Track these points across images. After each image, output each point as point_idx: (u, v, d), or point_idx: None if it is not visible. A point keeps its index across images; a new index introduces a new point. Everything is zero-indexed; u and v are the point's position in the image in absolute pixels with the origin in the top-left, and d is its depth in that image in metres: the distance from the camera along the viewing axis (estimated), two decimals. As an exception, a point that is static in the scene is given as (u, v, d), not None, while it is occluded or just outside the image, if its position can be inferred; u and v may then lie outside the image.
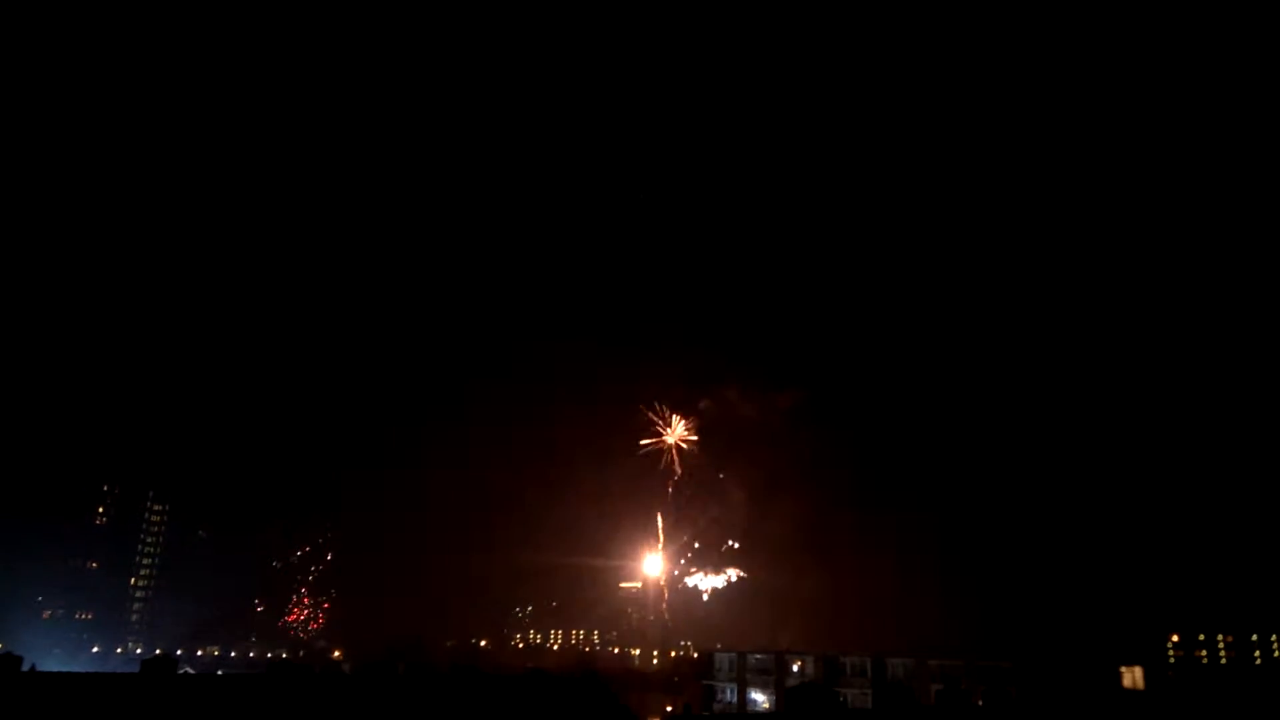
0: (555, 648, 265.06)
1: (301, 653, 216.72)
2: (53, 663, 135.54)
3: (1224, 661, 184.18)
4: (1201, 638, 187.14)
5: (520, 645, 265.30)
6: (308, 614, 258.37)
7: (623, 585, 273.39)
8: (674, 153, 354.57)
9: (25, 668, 47.29)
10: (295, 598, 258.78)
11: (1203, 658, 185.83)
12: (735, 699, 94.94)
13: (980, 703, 75.27)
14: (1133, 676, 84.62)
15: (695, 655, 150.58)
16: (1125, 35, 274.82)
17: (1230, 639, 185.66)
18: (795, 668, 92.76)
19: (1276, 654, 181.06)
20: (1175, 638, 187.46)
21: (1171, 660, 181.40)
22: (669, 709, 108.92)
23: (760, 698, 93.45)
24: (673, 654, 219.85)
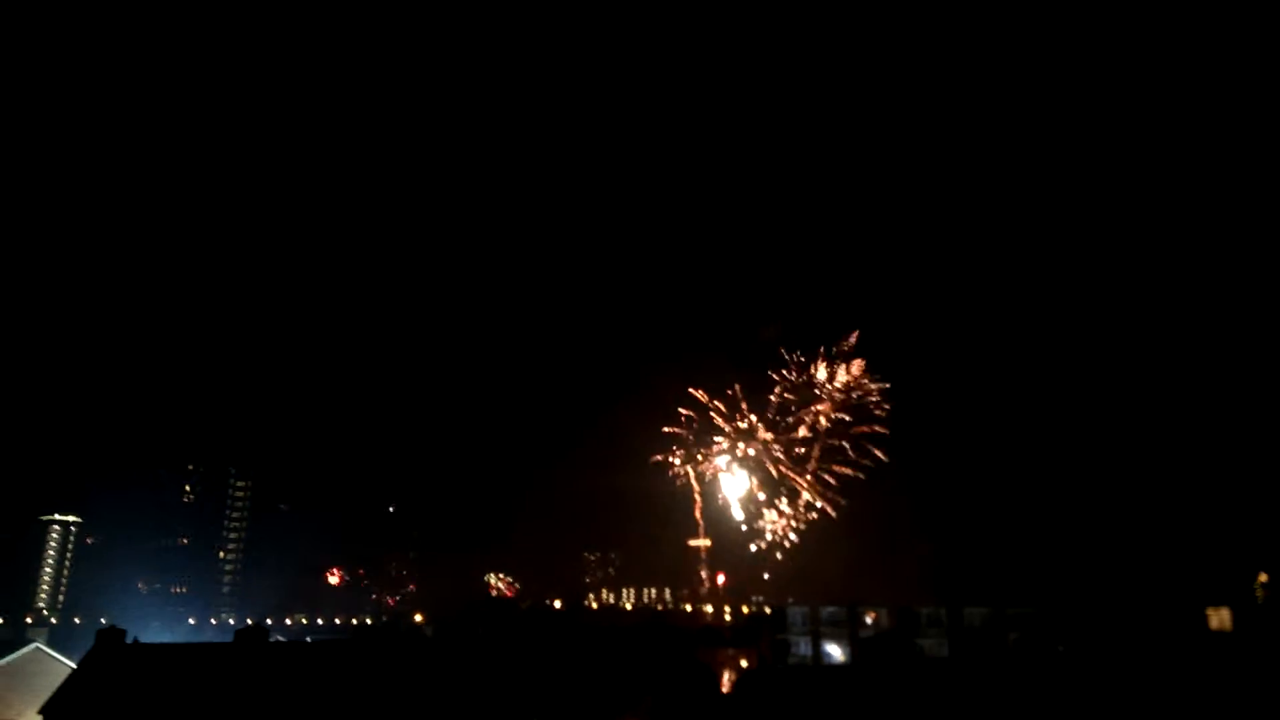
0: (629, 607, 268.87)
1: (384, 617, 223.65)
2: (152, 634, 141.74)
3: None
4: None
5: (595, 605, 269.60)
6: (390, 580, 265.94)
7: (691, 543, 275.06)
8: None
9: (128, 640, 49.68)
10: (377, 565, 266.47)
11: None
12: (810, 652, 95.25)
13: (1060, 650, 74.36)
14: (1220, 618, 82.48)
15: (769, 610, 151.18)
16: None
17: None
18: (869, 620, 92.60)
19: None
20: (1264, 577, 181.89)
21: (1260, 600, 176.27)
22: (744, 663, 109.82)
23: (834, 650, 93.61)
24: (745, 610, 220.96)
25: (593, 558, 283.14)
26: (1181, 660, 58.17)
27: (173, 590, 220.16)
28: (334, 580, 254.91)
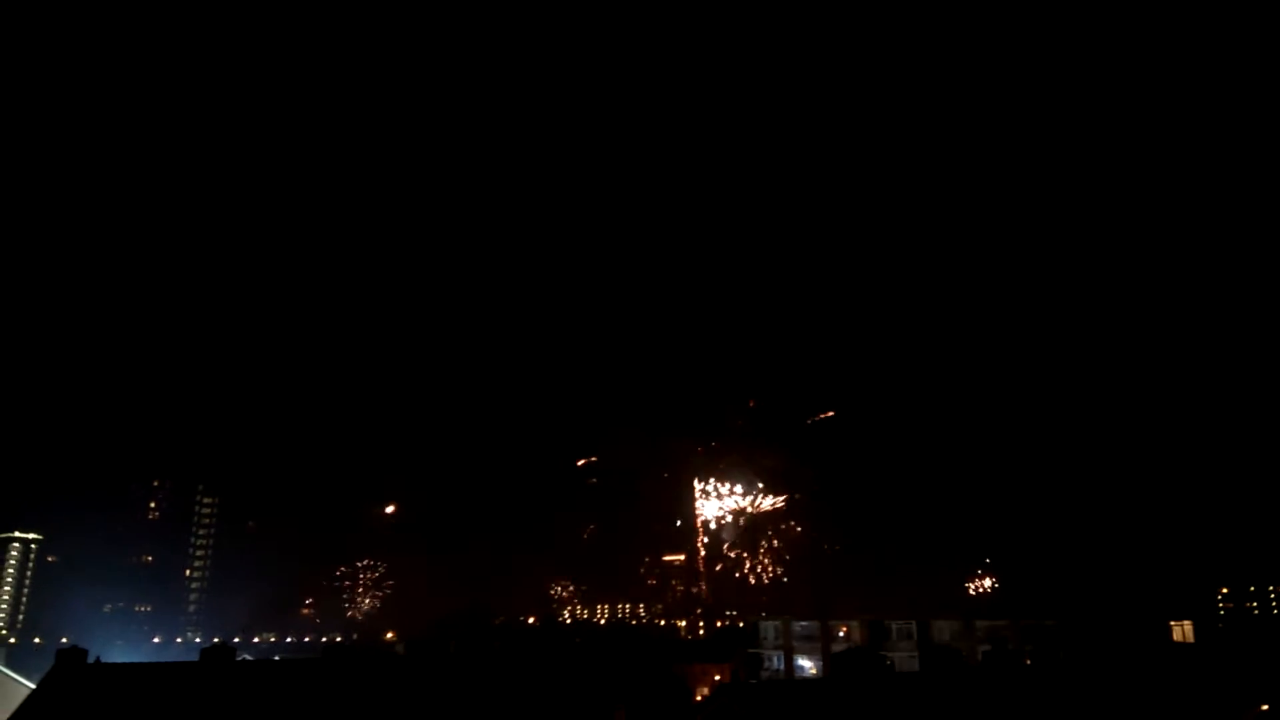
0: (602, 622, 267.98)
1: (355, 635, 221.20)
2: (116, 654, 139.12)
3: (1276, 613, 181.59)
4: (1252, 589, 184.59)
5: (568, 620, 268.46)
6: (359, 597, 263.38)
7: (666, 558, 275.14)
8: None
9: (90, 659, 48.84)
10: (347, 582, 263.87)
11: (1254, 609, 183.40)
12: (782, 666, 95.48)
13: (1028, 662, 74.99)
14: (1183, 631, 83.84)
15: (741, 624, 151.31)
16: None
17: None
18: (841, 634, 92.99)
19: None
20: (1225, 590, 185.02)
21: (1222, 614, 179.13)
22: (716, 678, 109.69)
23: (807, 664, 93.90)
24: (719, 624, 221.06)
25: (565, 577, 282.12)
26: (1146, 672, 59.13)
27: (137, 609, 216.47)
28: (307, 593, 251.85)
